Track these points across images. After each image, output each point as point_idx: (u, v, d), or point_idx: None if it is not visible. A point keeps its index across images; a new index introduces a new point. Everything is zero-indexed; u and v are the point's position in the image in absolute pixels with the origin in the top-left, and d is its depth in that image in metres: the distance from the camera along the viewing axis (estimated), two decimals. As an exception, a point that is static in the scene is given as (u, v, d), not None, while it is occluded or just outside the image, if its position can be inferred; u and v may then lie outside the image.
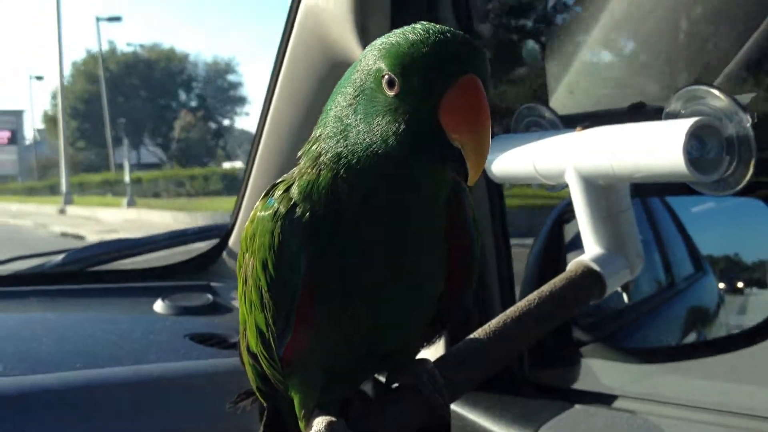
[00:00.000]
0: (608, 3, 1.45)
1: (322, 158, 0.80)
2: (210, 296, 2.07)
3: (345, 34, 1.41)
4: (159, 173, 44.06)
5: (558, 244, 1.54)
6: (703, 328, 1.88)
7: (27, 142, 69.36)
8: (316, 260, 0.80)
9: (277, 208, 0.81)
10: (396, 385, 0.93)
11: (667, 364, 1.57)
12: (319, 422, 0.84)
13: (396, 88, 0.73)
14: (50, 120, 57.07)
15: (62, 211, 31.63)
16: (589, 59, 1.47)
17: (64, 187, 35.72)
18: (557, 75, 1.54)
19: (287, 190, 0.82)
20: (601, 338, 1.64)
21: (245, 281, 0.88)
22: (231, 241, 2.38)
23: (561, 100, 1.52)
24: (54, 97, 55.60)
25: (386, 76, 0.74)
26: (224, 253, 2.42)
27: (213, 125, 59.93)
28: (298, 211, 0.80)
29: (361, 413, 0.90)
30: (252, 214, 0.86)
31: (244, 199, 2.14)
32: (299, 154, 0.85)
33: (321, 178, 0.79)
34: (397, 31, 0.76)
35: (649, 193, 1.75)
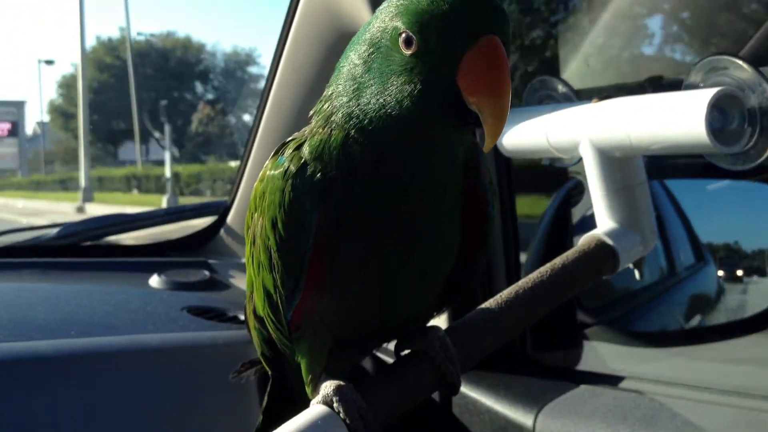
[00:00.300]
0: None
1: (333, 117, 0.78)
2: (207, 272, 2.05)
3: (354, 1, 1.39)
4: (200, 167, 38.56)
5: (565, 223, 1.52)
6: (706, 315, 1.87)
7: (29, 134, 66.85)
8: (327, 220, 0.77)
9: (288, 166, 0.78)
10: (406, 352, 0.90)
11: (672, 348, 1.56)
12: (327, 386, 0.81)
13: (413, 46, 0.70)
14: (56, 110, 54.87)
15: (81, 209, 26.76)
16: (606, 30, 1.44)
17: (83, 182, 31.22)
18: (572, 47, 1.51)
19: (298, 148, 0.80)
20: (604, 321, 1.63)
21: (253, 242, 0.85)
22: (229, 219, 2.35)
23: (576, 73, 1.50)
24: (61, 85, 54.55)
25: (403, 34, 0.71)
26: (222, 230, 2.39)
27: (232, 119, 56.09)
28: (310, 169, 0.77)
29: (370, 379, 0.87)
30: (261, 173, 0.83)
31: (244, 175, 2.11)
32: (311, 113, 0.83)
33: (332, 138, 0.77)
34: None
35: (649, 175, 1.74)
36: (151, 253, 2.42)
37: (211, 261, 2.25)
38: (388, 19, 0.73)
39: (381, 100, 0.73)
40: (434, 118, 0.72)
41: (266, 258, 0.82)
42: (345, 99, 0.77)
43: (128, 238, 2.60)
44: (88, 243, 2.40)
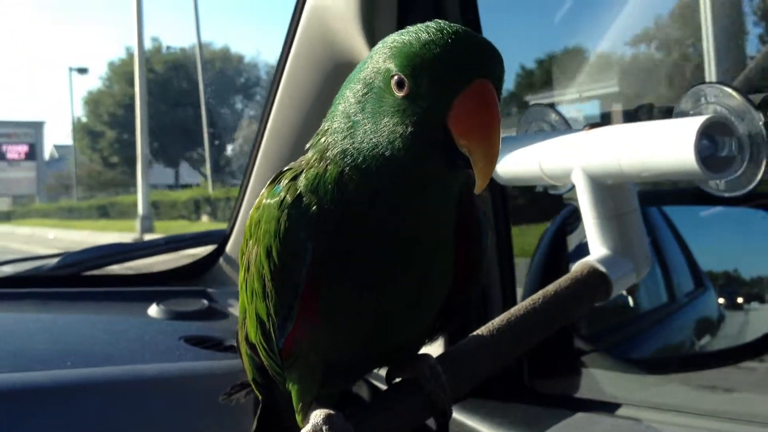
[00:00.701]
0: (619, 5, 1.45)
1: (329, 152, 0.78)
2: (205, 301, 2.05)
3: (351, 33, 1.40)
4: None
5: (561, 250, 1.53)
6: (705, 341, 1.86)
7: (47, 157, 59.74)
8: (322, 251, 0.77)
9: (284, 196, 0.79)
10: (397, 380, 0.90)
11: (670, 375, 1.55)
12: (317, 415, 0.81)
13: (405, 89, 0.71)
14: (83, 129, 47.08)
15: (142, 242, 21.63)
16: (598, 61, 1.46)
17: (141, 209, 25.15)
18: (565, 76, 1.53)
19: (294, 179, 0.80)
20: (602, 349, 1.63)
21: (247, 269, 0.85)
22: (228, 247, 2.36)
23: (568, 102, 1.51)
24: (88, 101, 46.61)
25: (396, 77, 0.71)
26: (221, 259, 2.39)
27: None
28: (305, 201, 0.77)
29: (361, 407, 0.87)
30: (258, 201, 0.84)
31: (242, 204, 2.12)
32: (308, 145, 0.83)
33: (328, 173, 0.77)
34: (411, 28, 0.73)
35: (648, 203, 1.74)
36: (151, 283, 2.43)
37: (209, 290, 2.25)
38: (381, 61, 0.74)
39: (374, 140, 0.73)
40: (425, 159, 0.72)
41: (260, 286, 0.82)
42: (340, 136, 0.77)
43: (128, 268, 2.60)
44: (89, 273, 2.41)
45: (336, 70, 1.52)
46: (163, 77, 43.25)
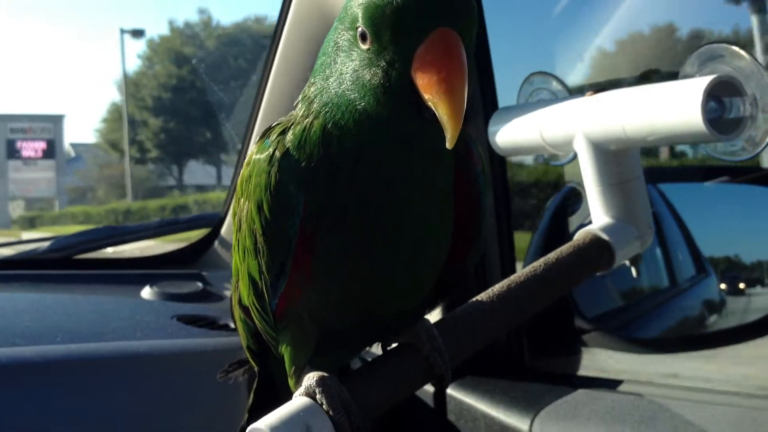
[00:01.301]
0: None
1: (314, 106, 0.76)
2: (200, 284, 2.03)
3: None
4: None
5: (563, 226, 1.50)
6: (707, 320, 1.84)
7: (72, 154, 49.30)
8: (313, 205, 0.75)
9: (273, 150, 0.77)
10: (394, 345, 0.87)
11: (672, 352, 1.53)
12: (310, 377, 0.78)
13: (368, 41, 0.69)
14: (114, 117, 38.05)
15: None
16: (600, 23, 1.43)
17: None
18: (565, 42, 1.50)
19: (283, 133, 0.78)
20: (604, 328, 1.60)
21: (239, 227, 0.83)
22: (223, 230, 2.34)
23: (569, 69, 1.48)
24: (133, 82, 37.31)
25: (359, 29, 0.69)
26: (216, 242, 2.37)
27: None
28: (295, 156, 0.75)
29: (356, 371, 0.84)
30: (248, 157, 0.82)
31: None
32: (296, 101, 0.81)
33: (314, 128, 0.75)
34: None
35: (647, 182, 1.72)
36: (145, 266, 2.41)
37: (204, 273, 2.23)
38: (351, 12, 0.71)
39: (348, 94, 0.72)
40: (396, 113, 0.70)
41: (252, 243, 0.80)
42: (319, 89, 0.75)
43: (122, 251, 2.57)
44: (81, 256, 2.38)
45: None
46: (213, 55, 34.88)
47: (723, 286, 1.78)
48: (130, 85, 37.40)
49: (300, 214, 0.75)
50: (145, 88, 36.63)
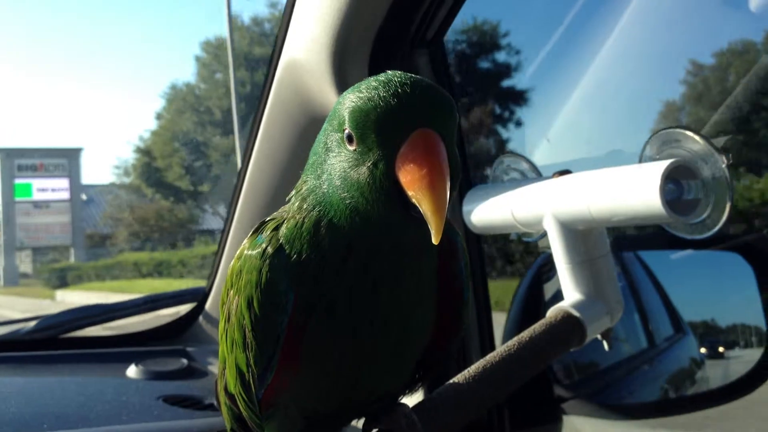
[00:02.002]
0: (586, 53, 1.48)
1: (306, 203, 0.78)
2: (185, 360, 2.03)
3: (324, 89, 1.42)
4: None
5: (539, 295, 1.53)
6: (685, 386, 1.86)
7: (84, 197, 39.24)
8: (303, 302, 0.77)
9: (266, 247, 0.79)
10: (374, 431, 0.90)
11: (650, 419, 1.55)
12: None
13: (354, 143, 0.72)
14: (144, 155, 32.43)
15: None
16: (566, 108, 1.49)
17: None
18: (534, 124, 1.55)
19: (276, 229, 0.80)
20: (583, 395, 1.63)
21: (228, 318, 0.85)
22: (208, 305, 2.35)
23: (538, 150, 1.53)
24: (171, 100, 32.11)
25: (345, 131, 0.72)
26: (201, 317, 2.38)
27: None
28: (287, 251, 0.78)
29: (338, 459, 0.87)
30: (239, 251, 0.84)
31: (222, 260, 2.12)
32: (289, 196, 0.83)
33: (305, 224, 0.77)
34: (364, 82, 0.74)
35: (624, 248, 1.76)
36: (130, 344, 2.40)
37: (189, 349, 2.23)
38: (338, 114, 0.74)
39: (337, 192, 0.74)
40: (384, 209, 0.72)
41: (240, 336, 0.82)
42: (311, 187, 0.78)
43: (106, 329, 2.57)
44: (67, 335, 2.38)
45: (310, 125, 1.54)
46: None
47: (702, 349, 1.81)
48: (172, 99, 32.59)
49: (289, 311, 0.77)
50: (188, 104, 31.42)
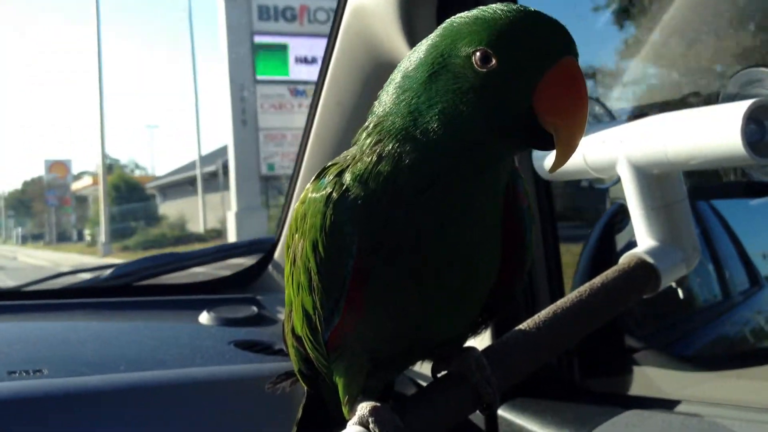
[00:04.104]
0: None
1: (381, 143, 0.77)
2: (255, 308, 2.07)
3: (390, 34, 1.41)
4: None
5: (610, 245, 1.50)
6: (761, 339, 1.82)
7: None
8: (368, 244, 0.77)
9: (330, 190, 0.78)
10: (443, 373, 0.90)
11: (724, 371, 1.51)
12: (364, 407, 0.81)
13: (492, 64, 0.70)
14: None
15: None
16: (642, 49, 1.44)
17: None
18: (608, 68, 1.51)
19: (340, 173, 0.80)
20: (655, 346, 1.60)
21: (293, 262, 0.85)
22: (277, 255, 2.38)
23: (612, 93, 1.49)
24: None
25: (478, 52, 0.70)
26: (270, 267, 2.42)
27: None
28: (352, 194, 0.77)
29: (407, 400, 0.87)
30: (303, 195, 0.84)
31: (290, 210, 2.14)
32: (354, 139, 0.83)
33: (381, 164, 0.76)
34: (481, 8, 0.72)
35: (698, 197, 1.71)
36: (202, 291, 2.47)
37: (259, 297, 2.27)
38: (458, 38, 0.72)
39: (445, 120, 0.72)
40: (505, 136, 0.72)
41: (306, 279, 0.82)
42: (396, 124, 0.76)
43: (180, 277, 2.64)
44: (141, 283, 2.45)
45: (377, 71, 1.53)
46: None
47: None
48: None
49: (354, 254, 0.77)
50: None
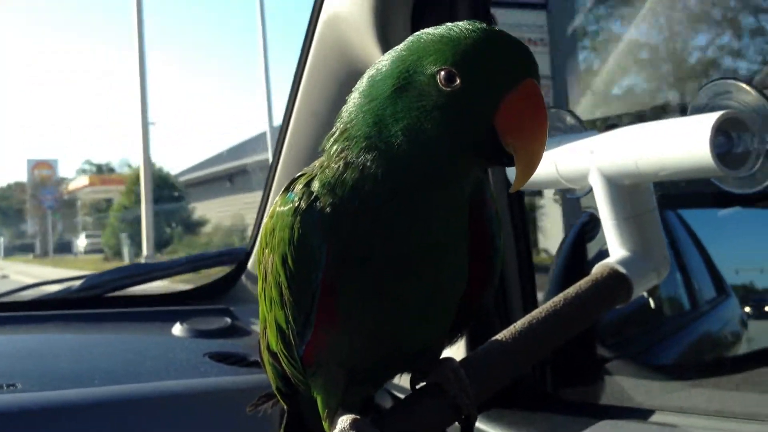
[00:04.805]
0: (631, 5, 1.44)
1: (346, 152, 0.77)
2: (228, 319, 2.07)
3: (365, 42, 1.42)
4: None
5: (581, 255, 1.52)
6: (730, 346, 1.85)
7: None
8: (337, 255, 0.78)
9: (298, 203, 0.79)
10: (421, 385, 0.90)
11: (695, 380, 1.54)
12: (344, 420, 0.81)
13: (456, 83, 0.71)
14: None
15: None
16: (612, 61, 1.46)
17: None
18: (579, 78, 1.53)
19: (308, 184, 0.80)
20: (626, 355, 1.62)
21: (264, 277, 0.86)
22: (250, 264, 2.37)
23: (583, 104, 1.51)
24: None
25: (443, 71, 0.71)
26: (243, 277, 2.41)
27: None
28: (320, 204, 0.78)
29: (386, 412, 0.88)
30: (272, 209, 0.84)
31: (263, 220, 2.13)
32: (321, 146, 0.83)
33: (346, 172, 0.77)
34: (449, 25, 0.73)
35: (666, 206, 1.74)
36: (174, 303, 2.45)
37: (232, 308, 2.26)
38: (424, 55, 0.73)
39: (409, 135, 0.73)
40: (465, 155, 0.74)
41: (277, 294, 0.83)
42: (362, 132, 0.76)
43: (152, 288, 2.62)
44: (112, 294, 2.43)
45: (351, 80, 1.51)
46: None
47: (747, 311, 1.79)
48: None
49: (322, 266, 0.78)
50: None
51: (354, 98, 0.80)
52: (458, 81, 0.71)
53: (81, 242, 43.79)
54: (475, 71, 0.71)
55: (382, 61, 0.79)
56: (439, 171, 0.75)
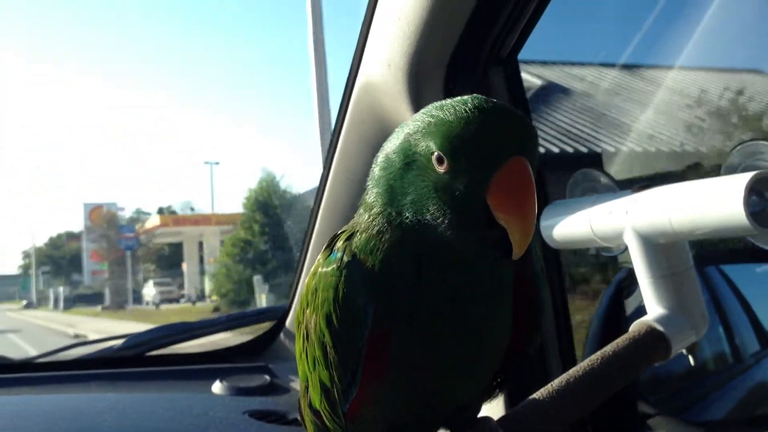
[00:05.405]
0: (662, 69, 1.46)
1: (376, 217, 0.81)
2: (267, 377, 2.08)
3: (399, 109, 1.45)
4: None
5: (620, 311, 1.52)
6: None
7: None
8: (381, 315, 0.80)
9: (341, 263, 0.81)
10: None
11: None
12: None
13: (445, 166, 0.75)
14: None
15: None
16: (645, 123, 1.48)
17: None
18: (613, 139, 1.54)
19: (349, 244, 0.82)
20: (667, 412, 1.60)
21: (306, 337, 0.87)
22: (288, 322, 2.39)
23: (617, 165, 1.52)
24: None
25: (436, 154, 0.75)
26: (282, 334, 2.43)
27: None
28: (362, 265, 0.80)
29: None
30: (313, 268, 0.86)
31: (300, 279, 2.16)
32: (359, 204, 0.86)
33: (377, 237, 0.80)
34: (449, 103, 0.77)
35: (706, 262, 1.73)
36: (214, 360, 2.47)
37: (271, 366, 2.28)
38: (421, 137, 0.77)
39: (416, 209, 0.77)
40: (463, 230, 0.76)
41: (321, 353, 0.84)
42: (381, 200, 0.81)
43: (192, 347, 2.65)
44: (153, 353, 2.46)
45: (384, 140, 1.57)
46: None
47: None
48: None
49: (369, 325, 0.80)
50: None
51: (377, 162, 0.84)
52: (446, 164, 0.74)
53: (149, 291, 39.36)
54: (461, 155, 0.74)
55: (398, 133, 0.83)
56: (448, 243, 0.77)
